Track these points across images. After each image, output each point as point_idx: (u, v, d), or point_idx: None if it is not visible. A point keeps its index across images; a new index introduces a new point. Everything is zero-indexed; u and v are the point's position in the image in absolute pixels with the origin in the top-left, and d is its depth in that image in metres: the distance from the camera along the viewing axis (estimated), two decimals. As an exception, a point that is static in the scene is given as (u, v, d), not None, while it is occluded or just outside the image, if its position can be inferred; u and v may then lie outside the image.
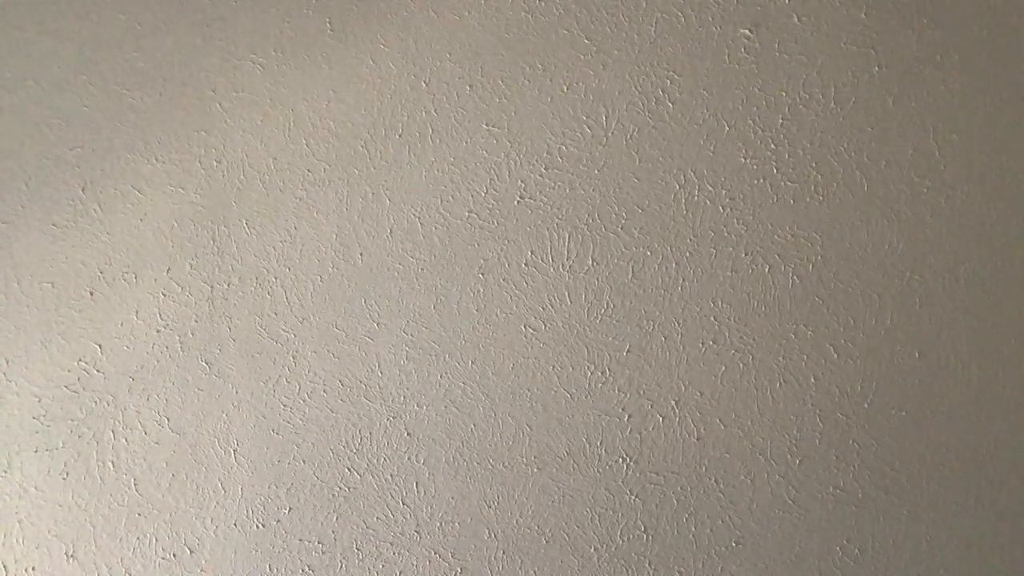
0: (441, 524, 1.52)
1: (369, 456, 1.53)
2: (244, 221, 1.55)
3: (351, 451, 1.53)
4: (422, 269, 1.53)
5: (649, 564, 1.51)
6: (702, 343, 1.50)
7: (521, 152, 1.52)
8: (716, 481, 1.50)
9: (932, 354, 1.48)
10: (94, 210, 1.56)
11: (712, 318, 1.50)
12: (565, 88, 1.51)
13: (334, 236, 1.54)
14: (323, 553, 1.53)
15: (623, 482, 1.51)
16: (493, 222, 1.52)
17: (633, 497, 1.51)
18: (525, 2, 1.52)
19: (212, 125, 1.55)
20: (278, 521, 1.54)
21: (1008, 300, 1.47)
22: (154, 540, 1.55)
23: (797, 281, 1.49)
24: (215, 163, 1.55)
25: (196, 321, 1.55)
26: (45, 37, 1.57)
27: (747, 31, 1.49)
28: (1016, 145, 1.47)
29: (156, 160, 1.56)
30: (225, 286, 1.55)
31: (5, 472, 1.56)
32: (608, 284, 1.51)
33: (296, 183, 1.54)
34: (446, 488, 1.52)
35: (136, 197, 1.56)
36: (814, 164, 1.48)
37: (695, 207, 1.50)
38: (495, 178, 1.52)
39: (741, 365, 1.49)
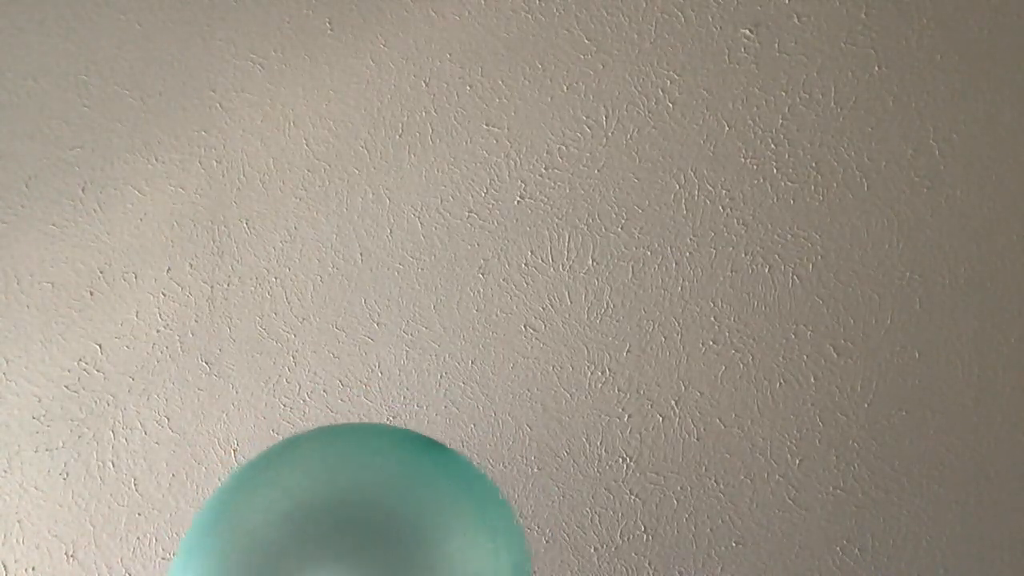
0: (441, 524, 1.52)
1: (369, 456, 1.53)
2: (244, 221, 1.55)
3: (351, 451, 1.53)
4: (422, 269, 1.53)
5: (649, 564, 1.50)
6: (702, 343, 1.50)
7: (521, 152, 1.52)
8: (716, 481, 1.50)
9: (932, 354, 1.48)
10: (94, 210, 1.56)
11: (712, 318, 1.50)
12: (565, 88, 1.51)
13: (334, 236, 1.54)
14: (323, 553, 1.53)
15: (623, 482, 1.51)
16: (493, 222, 1.52)
17: (633, 497, 1.51)
18: (525, 2, 1.52)
19: (212, 125, 1.55)
20: (278, 521, 1.54)
21: (1008, 300, 1.47)
22: (154, 540, 1.55)
23: (797, 281, 1.49)
24: (215, 163, 1.55)
25: (196, 321, 1.55)
26: (45, 37, 1.57)
27: (747, 31, 1.49)
28: (1016, 145, 1.47)
29: (156, 160, 1.56)
30: (225, 286, 1.55)
31: (5, 472, 1.56)
32: (608, 284, 1.51)
33: (296, 183, 1.54)
34: (446, 488, 1.52)
35: (136, 197, 1.56)
36: (814, 164, 1.48)
37: (695, 207, 1.50)
38: (495, 178, 1.52)
39: (741, 365, 1.49)
